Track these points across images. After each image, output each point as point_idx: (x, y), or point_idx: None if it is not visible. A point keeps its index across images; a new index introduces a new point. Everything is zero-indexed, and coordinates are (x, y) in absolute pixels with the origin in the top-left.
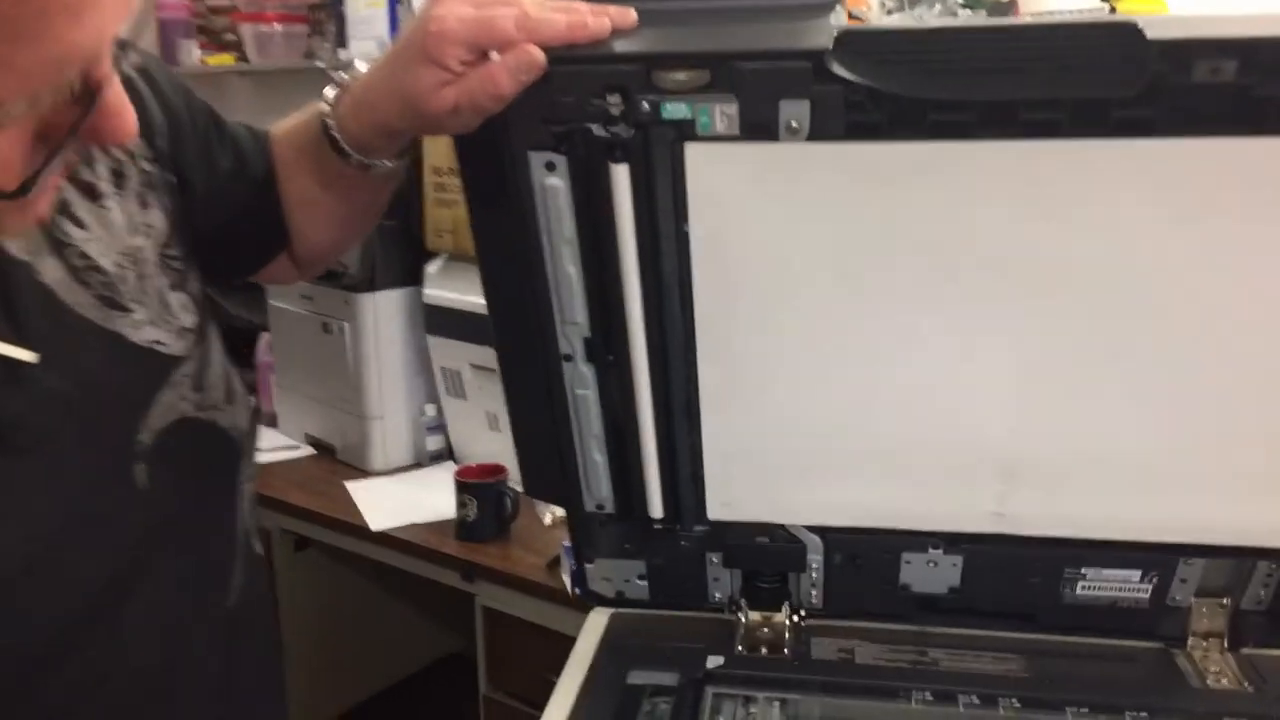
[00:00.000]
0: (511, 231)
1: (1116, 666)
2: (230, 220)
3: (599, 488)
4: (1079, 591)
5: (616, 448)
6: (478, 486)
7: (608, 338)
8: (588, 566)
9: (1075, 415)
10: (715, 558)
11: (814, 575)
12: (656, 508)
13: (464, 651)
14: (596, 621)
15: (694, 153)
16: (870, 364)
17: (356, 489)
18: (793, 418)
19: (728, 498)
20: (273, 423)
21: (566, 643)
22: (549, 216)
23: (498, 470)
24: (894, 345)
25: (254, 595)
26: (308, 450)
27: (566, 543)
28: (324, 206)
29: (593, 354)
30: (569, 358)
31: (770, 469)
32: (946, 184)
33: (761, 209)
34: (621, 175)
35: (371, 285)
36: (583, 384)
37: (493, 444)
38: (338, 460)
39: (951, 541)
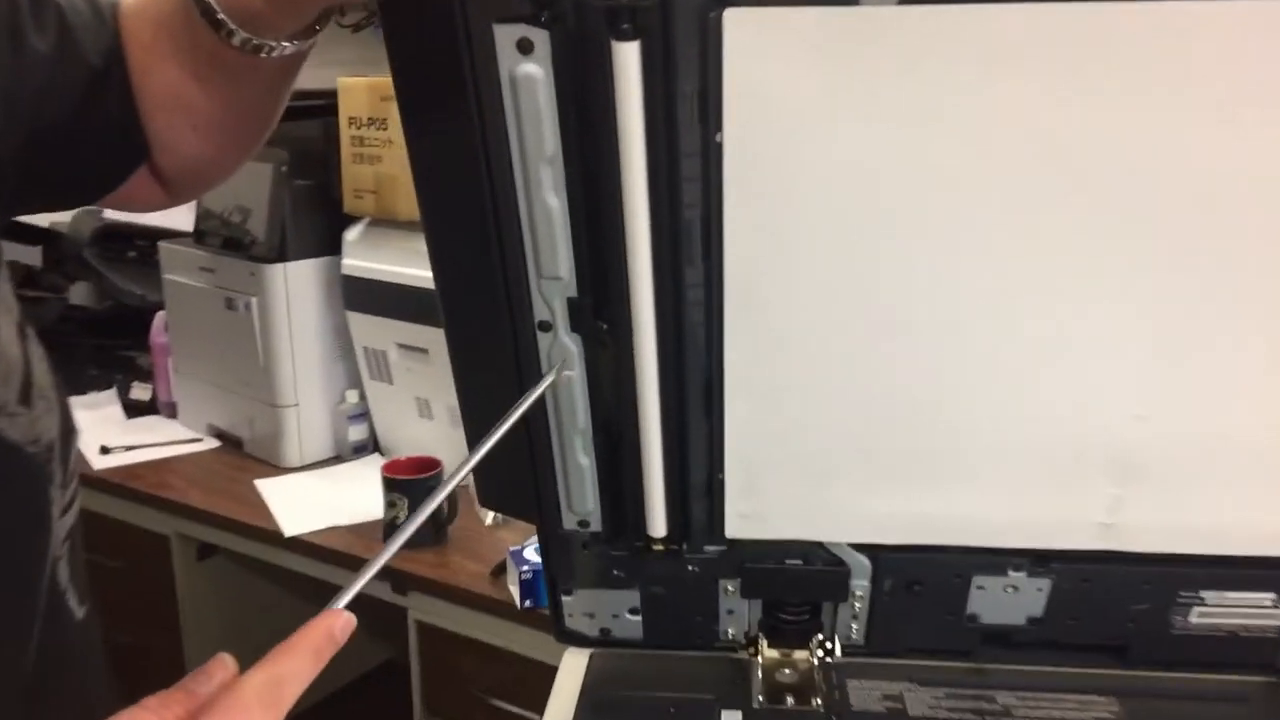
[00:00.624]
0: (464, 149)
1: (1228, 710)
2: (55, 124)
3: (582, 499)
4: (1193, 619)
5: (607, 447)
6: (408, 484)
7: (601, 298)
8: (565, 599)
9: (1213, 392)
10: (731, 585)
11: (857, 606)
12: (659, 524)
13: (398, 659)
14: (573, 666)
15: (736, 24)
16: (949, 332)
17: (267, 488)
18: (844, 405)
19: (751, 509)
20: (172, 413)
21: (513, 662)
22: (521, 123)
23: (431, 464)
24: (982, 306)
25: (65, 656)
26: (211, 443)
27: (513, 547)
28: (197, 106)
29: (579, 321)
30: (546, 326)
31: (810, 472)
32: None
33: (828, 109)
34: (629, 59)
35: (281, 255)
36: (565, 361)
37: (424, 433)
38: (246, 455)
39: (1040, 561)
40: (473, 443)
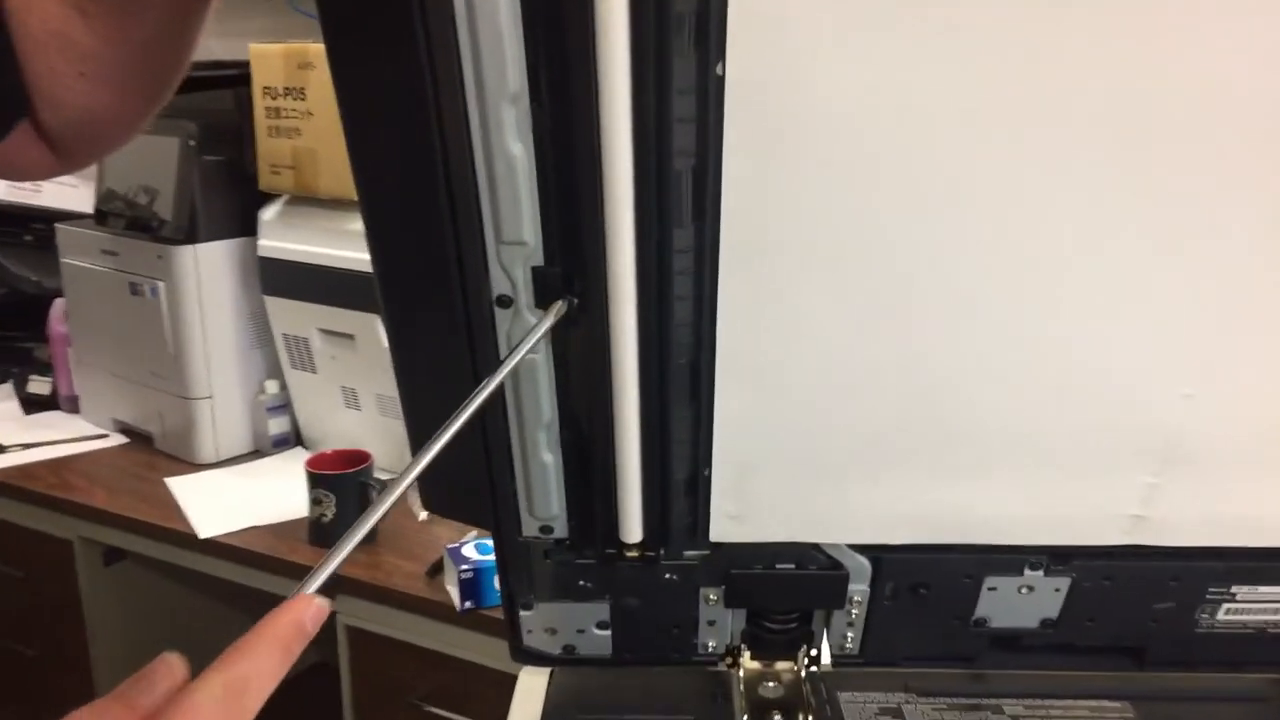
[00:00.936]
0: (407, 87)
1: (1248, 710)
2: None
3: (546, 502)
4: (1220, 616)
5: (576, 441)
6: (334, 479)
7: (572, 267)
8: (523, 614)
9: (1270, 368)
10: (713, 594)
11: (853, 612)
12: (634, 528)
13: (330, 660)
14: (532, 686)
15: None
16: (968, 304)
17: (180, 486)
18: (849, 389)
19: (740, 509)
20: (74, 408)
21: (453, 668)
22: (479, 52)
23: (360, 457)
24: (1007, 271)
25: None
26: (118, 440)
27: (451, 545)
28: (83, 45)
29: (546, 293)
30: (506, 301)
31: (807, 467)
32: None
33: (850, 32)
34: None
35: (191, 235)
36: (524, 340)
37: (352, 425)
38: (156, 451)
39: (1060, 559)
40: (418, 440)
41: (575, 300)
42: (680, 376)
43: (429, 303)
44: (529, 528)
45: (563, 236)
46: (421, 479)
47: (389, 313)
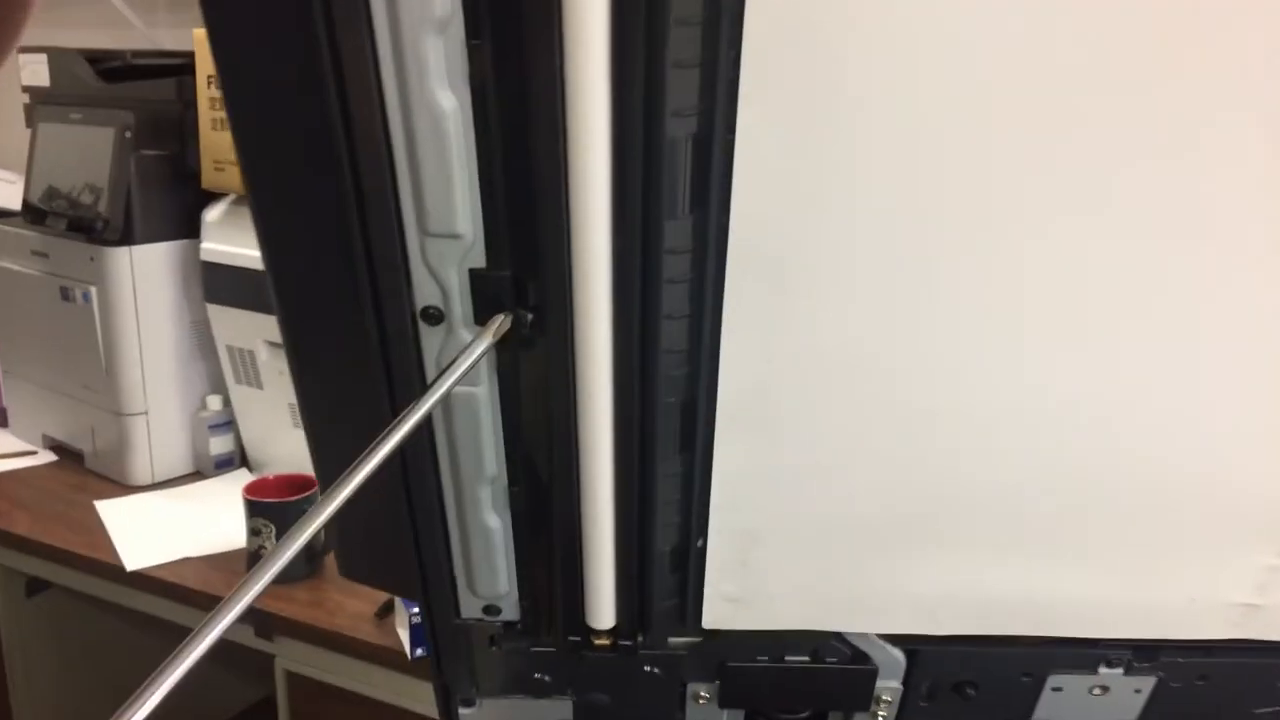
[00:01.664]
0: (288, 13)
1: None
2: None
3: (491, 577)
4: None
5: (530, 499)
6: (275, 507)
7: (524, 270)
8: (463, 712)
9: None
10: (704, 692)
11: (882, 716)
12: (605, 611)
13: (273, 697)
14: None
15: None
16: (1040, 334)
17: (110, 511)
18: (883, 442)
19: (741, 589)
20: (3, 421)
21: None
22: None
23: (305, 483)
24: (1091, 297)
25: None
26: (47, 457)
27: None
28: None
29: (489, 304)
30: (434, 315)
31: (828, 538)
32: None
33: None
34: None
35: (127, 236)
36: (457, 362)
37: (300, 446)
38: (88, 471)
39: (1146, 654)
40: (325, 485)
41: (528, 315)
42: (669, 420)
43: (333, 313)
44: (470, 608)
45: (512, 228)
46: (337, 535)
47: (285, 324)
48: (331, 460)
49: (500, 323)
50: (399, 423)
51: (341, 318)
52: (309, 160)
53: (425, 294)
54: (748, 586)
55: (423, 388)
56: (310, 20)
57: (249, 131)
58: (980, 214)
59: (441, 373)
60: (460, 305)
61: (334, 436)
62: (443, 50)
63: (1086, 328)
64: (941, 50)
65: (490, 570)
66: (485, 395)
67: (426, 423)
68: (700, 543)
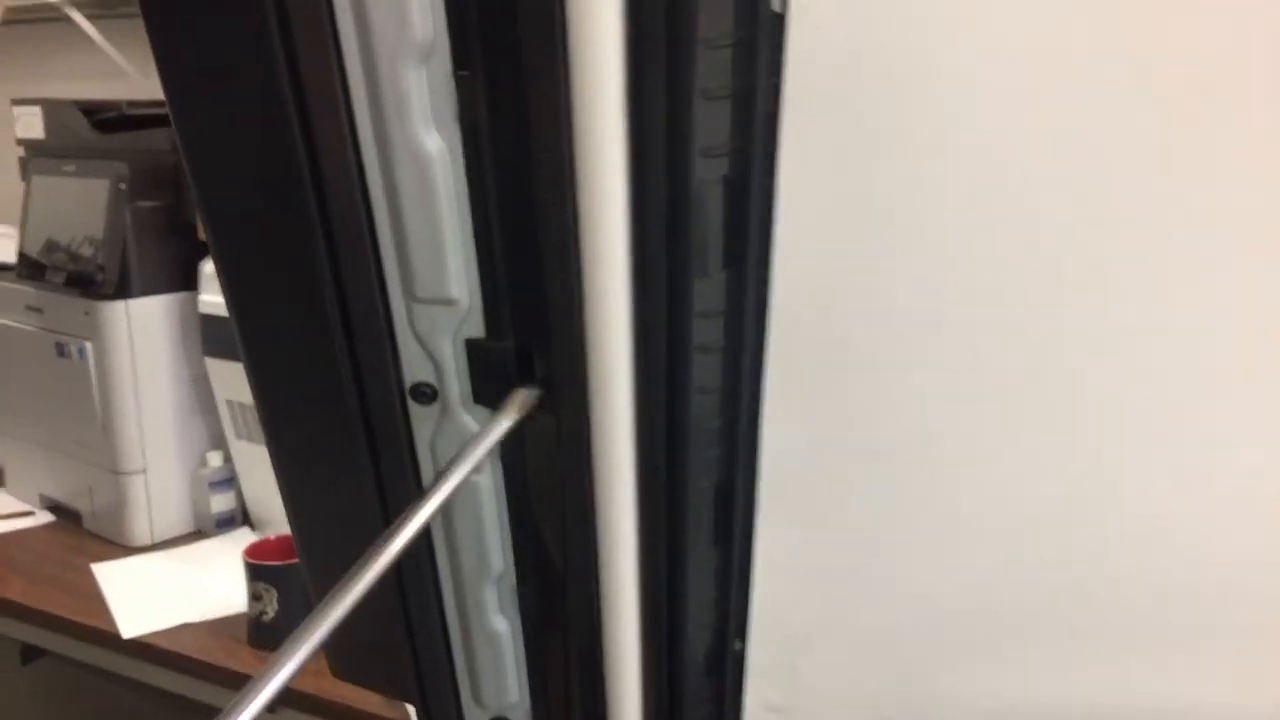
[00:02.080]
0: (244, 46)
1: None
2: None
3: (498, 685)
4: None
5: (542, 602)
6: (277, 571)
7: (530, 340)
8: None
9: None
10: None
11: None
12: (630, 717)
13: None
14: None
15: None
16: (1127, 430)
17: (107, 575)
18: (961, 530)
19: (787, 698)
20: (0, 480)
21: None
22: None
23: None
24: (1174, 393)
25: None
26: (45, 517)
27: None
28: None
29: (491, 380)
30: (425, 393)
31: (889, 638)
32: None
33: None
34: None
35: (124, 290)
36: (461, 457)
37: None
38: (85, 531)
39: None
40: (316, 584)
41: (539, 391)
42: (702, 507)
43: (311, 389)
44: (475, 718)
45: (514, 291)
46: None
47: (259, 397)
48: (316, 552)
49: (522, 399)
50: (395, 528)
51: (322, 397)
52: (276, 216)
53: (415, 369)
54: (794, 695)
55: (416, 478)
56: (268, 49)
57: (207, 180)
58: (1063, 283)
59: (446, 470)
60: (456, 382)
61: (318, 529)
62: (426, 83)
63: (1165, 418)
64: (1023, 81)
65: (497, 678)
66: (488, 483)
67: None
68: (739, 646)
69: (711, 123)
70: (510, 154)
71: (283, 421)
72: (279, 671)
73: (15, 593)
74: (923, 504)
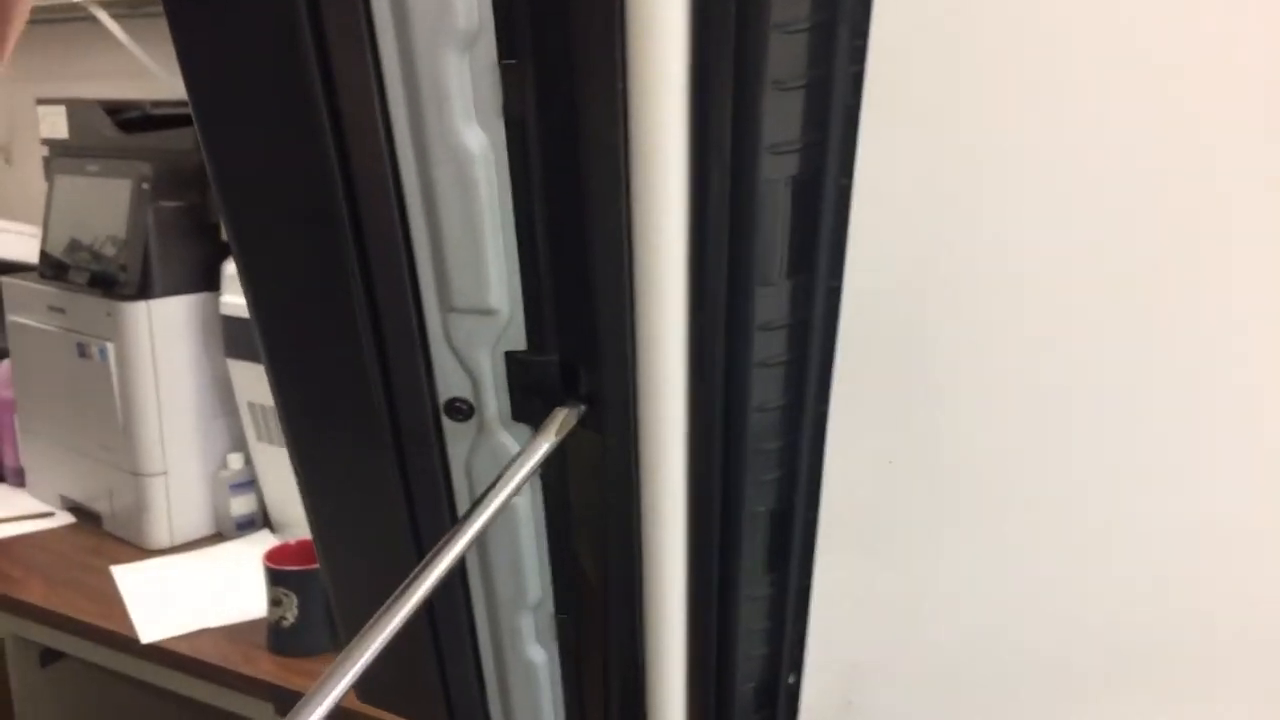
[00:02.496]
0: (269, 31)
1: None
2: None
3: (534, 717)
4: None
5: (581, 631)
6: (297, 576)
7: (575, 354)
8: None
9: None
10: None
11: None
12: None
13: None
14: None
15: None
16: (1228, 460)
17: (126, 577)
18: (1021, 567)
19: None
20: (20, 481)
21: None
22: None
23: None
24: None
25: None
26: (65, 519)
27: None
28: None
29: (534, 397)
30: (461, 409)
31: (960, 675)
32: None
33: None
34: None
35: (145, 290)
36: (500, 480)
37: None
38: (104, 533)
39: None
40: (340, 603)
41: (583, 407)
42: (757, 533)
43: (338, 402)
44: None
45: (559, 300)
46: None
47: (282, 408)
48: (344, 578)
49: (565, 417)
50: (432, 557)
51: (351, 412)
52: (304, 217)
53: (450, 384)
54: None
55: (450, 499)
56: (296, 37)
57: (229, 178)
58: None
59: (491, 487)
60: (495, 398)
61: (345, 554)
62: (468, 73)
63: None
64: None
65: (533, 712)
66: (526, 506)
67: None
68: (792, 679)
69: (782, 116)
70: (558, 151)
71: (308, 435)
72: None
73: (35, 595)
74: (994, 535)
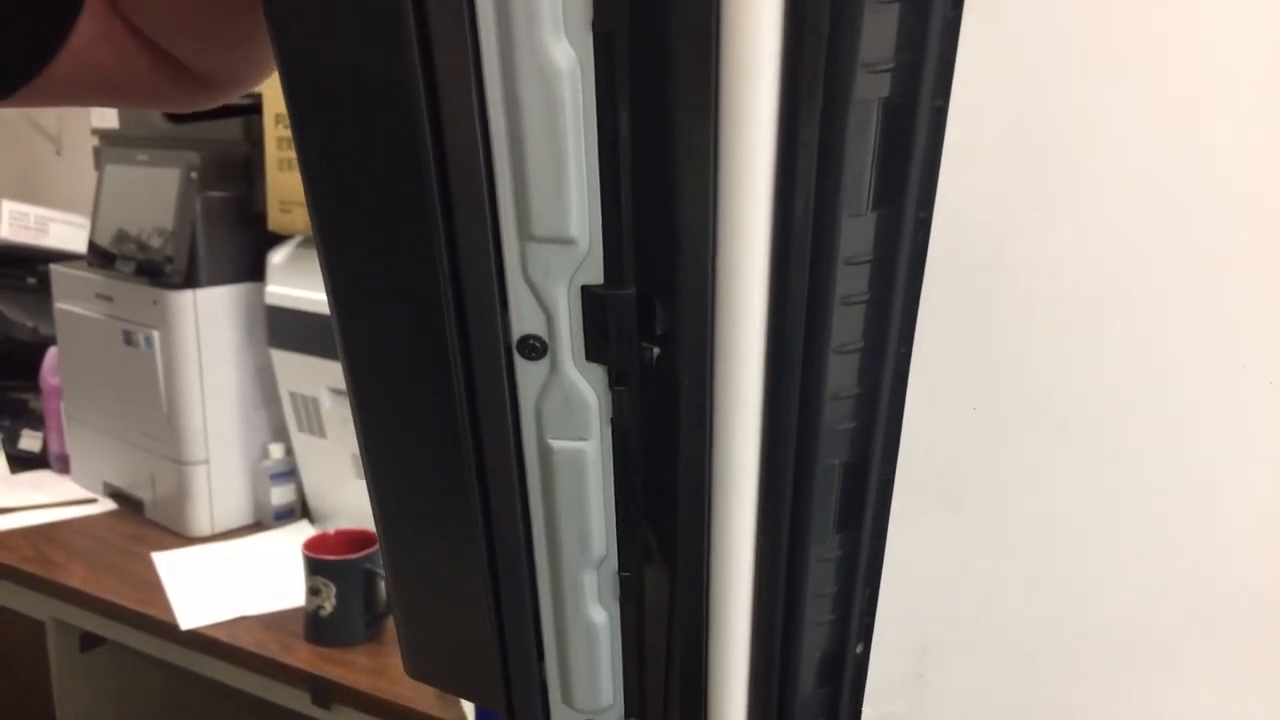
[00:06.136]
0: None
1: None
2: None
3: (591, 686)
4: None
5: (643, 592)
6: (335, 565)
7: (654, 289)
8: None
9: None
10: None
11: None
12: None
13: None
14: None
15: None
16: None
17: (167, 564)
18: (1116, 534)
19: (912, 711)
20: (64, 468)
21: None
22: None
23: (366, 539)
24: None
25: None
26: (108, 505)
27: None
28: None
29: (608, 331)
30: (534, 346)
31: (1030, 650)
32: None
33: None
34: None
35: (191, 279)
36: (571, 419)
37: (362, 498)
38: (147, 521)
39: None
40: (396, 578)
41: (656, 350)
42: (828, 488)
43: (403, 332)
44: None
45: (639, 229)
46: (403, 628)
47: (343, 337)
48: (400, 539)
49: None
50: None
51: (417, 344)
52: (384, 137)
53: (525, 320)
54: (922, 708)
55: (518, 442)
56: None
57: (298, 75)
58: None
59: (561, 428)
60: (569, 336)
61: (402, 508)
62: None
63: None
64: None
65: (591, 677)
66: (594, 453)
67: (519, 491)
68: (860, 649)
69: (878, 31)
70: (648, 63)
71: (369, 372)
72: None
73: (77, 580)
74: (1081, 500)
